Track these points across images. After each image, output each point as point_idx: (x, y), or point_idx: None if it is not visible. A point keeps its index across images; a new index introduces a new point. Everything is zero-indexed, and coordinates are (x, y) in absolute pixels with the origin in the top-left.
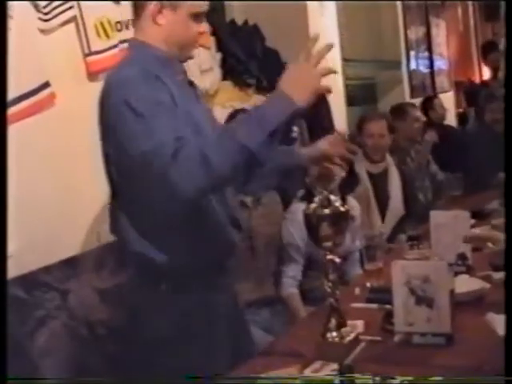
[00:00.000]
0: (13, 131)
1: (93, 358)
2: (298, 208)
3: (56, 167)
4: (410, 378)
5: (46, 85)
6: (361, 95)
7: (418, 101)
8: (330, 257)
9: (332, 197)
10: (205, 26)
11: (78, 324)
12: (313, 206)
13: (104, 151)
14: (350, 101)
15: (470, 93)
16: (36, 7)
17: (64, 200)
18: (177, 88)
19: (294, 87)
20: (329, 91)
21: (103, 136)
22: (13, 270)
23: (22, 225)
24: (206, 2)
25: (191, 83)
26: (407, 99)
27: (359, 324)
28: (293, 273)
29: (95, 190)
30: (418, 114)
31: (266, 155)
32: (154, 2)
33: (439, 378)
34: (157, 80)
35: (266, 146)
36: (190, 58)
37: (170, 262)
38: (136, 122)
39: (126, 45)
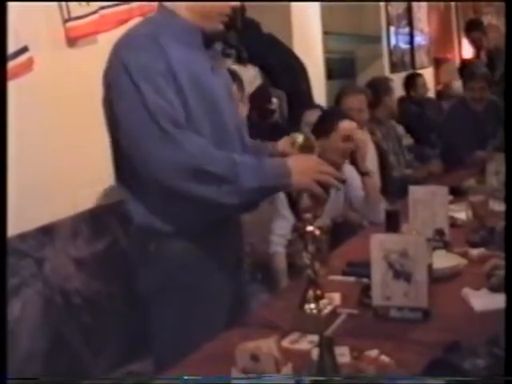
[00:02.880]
0: None
1: (68, 327)
2: None
3: (33, 132)
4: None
5: (25, 49)
6: (340, 69)
7: (397, 76)
8: (309, 228)
9: None
10: None
11: (53, 292)
12: None
13: (106, 114)
14: (330, 74)
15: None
16: None
17: (40, 166)
18: (192, 58)
19: (300, 170)
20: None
21: (105, 95)
22: None
23: None
24: None
25: (212, 56)
26: (387, 74)
27: (336, 297)
28: (281, 231)
29: (71, 157)
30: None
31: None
32: None
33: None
34: (164, 51)
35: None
36: (217, 30)
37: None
38: (130, 91)
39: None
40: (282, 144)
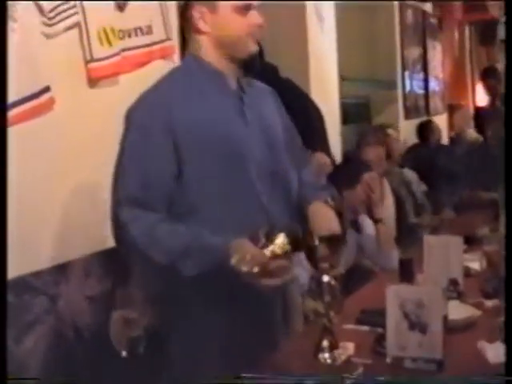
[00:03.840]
0: (10, 134)
1: (79, 362)
2: None
3: (50, 171)
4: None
5: (47, 89)
6: (355, 114)
7: (411, 122)
8: (326, 278)
9: None
10: (257, 17)
11: (66, 328)
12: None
13: None
14: (345, 119)
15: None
16: (41, 11)
17: (56, 205)
18: (217, 106)
19: (242, 256)
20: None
21: None
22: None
23: (13, 229)
24: None
25: (241, 97)
26: (401, 120)
27: (350, 346)
28: (302, 280)
29: (87, 197)
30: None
31: None
32: (194, 10)
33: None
34: (169, 111)
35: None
36: (252, 53)
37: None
38: (121, 143)
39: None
40: None
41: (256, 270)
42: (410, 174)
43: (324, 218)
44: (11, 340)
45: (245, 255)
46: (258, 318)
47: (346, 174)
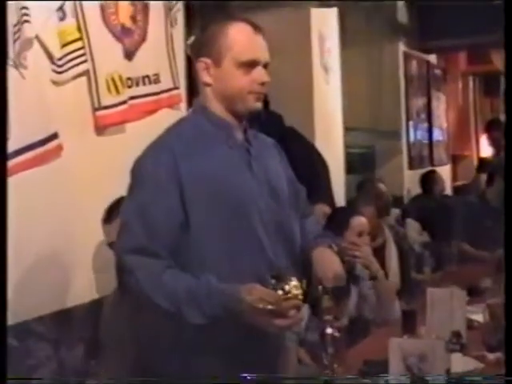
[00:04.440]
0: (17, 181)
1: None
2: None
3: (57, 218)
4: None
5: (54, 136)
6: (360, 163)
7: (415, 173)
8: (329, 331)
9: None
10: (263, 75)
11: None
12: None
13: None
14: (349, 168)
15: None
16: (51, 59)
17: (62, 252)
18: (225, 154)
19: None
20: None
21: None
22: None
23: (18, 275)
24: (253, 52)
25: (247, 149)
26: (405, 170)
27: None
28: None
29: (93, 243)
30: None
31: None
32: (200, 60)
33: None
34: (175, 163)
35: None
36: (254, 110)
37: None
38: (127, 192)
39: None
40: None
41: (270, 307)
42: (413, 225)
43: (328, 261)
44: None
45: (258, 294)
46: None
47: (335, 220)
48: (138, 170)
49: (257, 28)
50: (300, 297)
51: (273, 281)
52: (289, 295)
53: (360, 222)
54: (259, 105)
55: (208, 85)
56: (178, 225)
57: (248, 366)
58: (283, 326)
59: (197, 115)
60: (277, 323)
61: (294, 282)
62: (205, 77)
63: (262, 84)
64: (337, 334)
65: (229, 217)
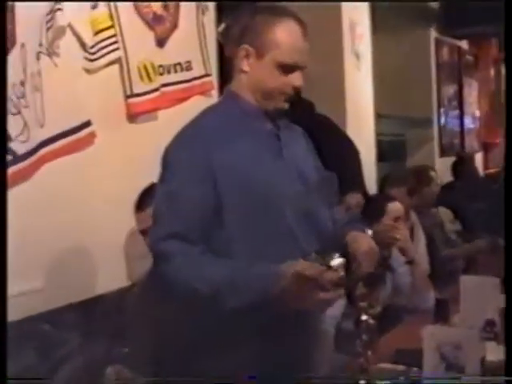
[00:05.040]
0: (50, 168)
1: None
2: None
3: (88, 206)
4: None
5: (87, 124)
6: (391, 151)
7: (446, 160)
8: (364, 317)
9: None
10: (298, 80)
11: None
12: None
13: None
14: (380, 156)
15: None
16: (83, 46)
17: (93, 239)
18: (248, 146)
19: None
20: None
21: None
22: (42, 305)
23: (53, 261)
24: (296, 57)
25: (277, 136)
26: (436, 158)
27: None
28: (331, 313)
29: (124, 230)
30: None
31: None
32: (242, 47)
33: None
34: (207, 151)
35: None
36: (280, 110)
37: None
38: (159, 181)
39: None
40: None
41: (316, 275)
42: (445, 213)
43: (364, 245)
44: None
45: (302, 266)
46: (292, 351)
47: (371, 207)
48: (171, 157)
49: (305, 30)
50: (342, 272)
51: (316, 256)
52: (331, 269)
53: (396, 207)
54: (287, 105)
55: (244, 72)
56: (212, 211)
57: (285, 352)
58: (326, 299)
59: (228, 102)
60: (320, 296)
61: (338, 258)
62: (243, 64)
63: (295, 88)
64: (371, 322)
65: (260, 203)
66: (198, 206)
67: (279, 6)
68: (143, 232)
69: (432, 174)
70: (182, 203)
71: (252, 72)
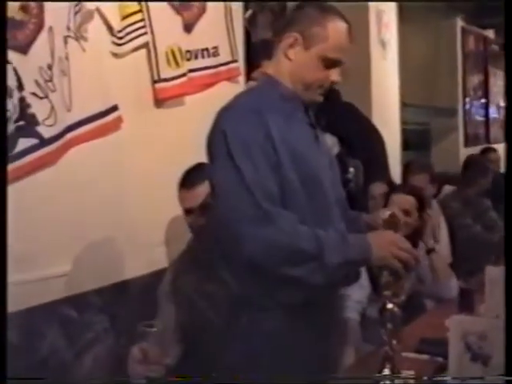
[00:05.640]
0: (77, 153)
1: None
2: None
3: (115, 190)
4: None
5: (114, 108)
6: (416, 140)
7: (471, 150)
8: (389, 306)
9: None
10: (337, 75)
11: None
12: None
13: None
14: (405, 145)
15: None
16: (111, 31)
17: (119, 225)
18: (293, 128)
19: (379, 245)
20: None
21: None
22: (67, 289)
23: (78, 246)
24: (341, 53)
25: (312, 124)
26: (461, 148)
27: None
28: (357, 298)
29: (151, 215)
30: None
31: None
32: (291, 34)
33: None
34: (265, 124)
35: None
36: (315, 101)
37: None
38: (227, 163)
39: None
40: (373, 217)
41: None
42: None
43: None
44: (71, 355)
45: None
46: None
47: (386, 196)
48: (233, 137)
49: (351, 30)
50: None
51: None
52: None
53: (401, 199)
54: (321, 99)
55: (289, 59)
56: (279, 188)
57: (310, 338)
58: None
59: (267, 86)
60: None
61: None
62: (289, 52)
63: (332, 82)
64: (396, 310)
65: (308, 185)
66: (272, 182)
67: (327, 4)
68: (188, 211)
69: (488, 164)
70: (258, 181)
71: (296, 61)
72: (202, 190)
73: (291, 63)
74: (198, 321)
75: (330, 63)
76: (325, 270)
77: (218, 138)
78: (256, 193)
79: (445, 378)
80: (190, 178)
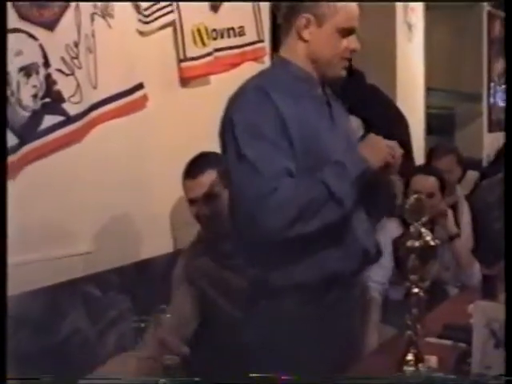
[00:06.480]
0: (102, 131)
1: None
2: (389, 223)
3: (138, 169)
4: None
5: (140, 86)
6: (440, 125)
7: (494, 136)
8: (415, 290)
9: (423, 230)
10: (355, 43)
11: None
12: (403, 236)
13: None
14: (429, 129)
15: None
16: (137, 8)
17: (142, 203)
18: (306, 107)
19: (370, 152)
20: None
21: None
22: (89, 267)
23: (99, 224)
24: (353, 20)
25: (329, 103)
26: (485, 133)
27: (433, 360)
28: (379, 278)
29: (173, 195)
30: None
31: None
32: (302, 16)
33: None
34: (275, 108)
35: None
36: (340, 76)
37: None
38: (233, 148)
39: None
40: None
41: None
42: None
43: None
44: (94, 334)
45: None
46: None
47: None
48: (239, 124)
49: None
50: None
51: None
52: None
53: (421, 181)
54: (344, 73)
55: (305, 41)
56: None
57: (330, 317)
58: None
59: (277, 68)
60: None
61: None
62: (304, 33)
63: (353, 51)
64: (422, 295)
65: (311, 163)
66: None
67: None
68: (192, 201)
69: None
70: (277, 163)
71: (313, 40)
72: (207, 179)
73: (307, 44)
74: (214, 307)
75: (345, 33)
76: (339, 203)
77: (226, 126)
78: (265, 174)
79: (447, 377)
80: (194, 168)
